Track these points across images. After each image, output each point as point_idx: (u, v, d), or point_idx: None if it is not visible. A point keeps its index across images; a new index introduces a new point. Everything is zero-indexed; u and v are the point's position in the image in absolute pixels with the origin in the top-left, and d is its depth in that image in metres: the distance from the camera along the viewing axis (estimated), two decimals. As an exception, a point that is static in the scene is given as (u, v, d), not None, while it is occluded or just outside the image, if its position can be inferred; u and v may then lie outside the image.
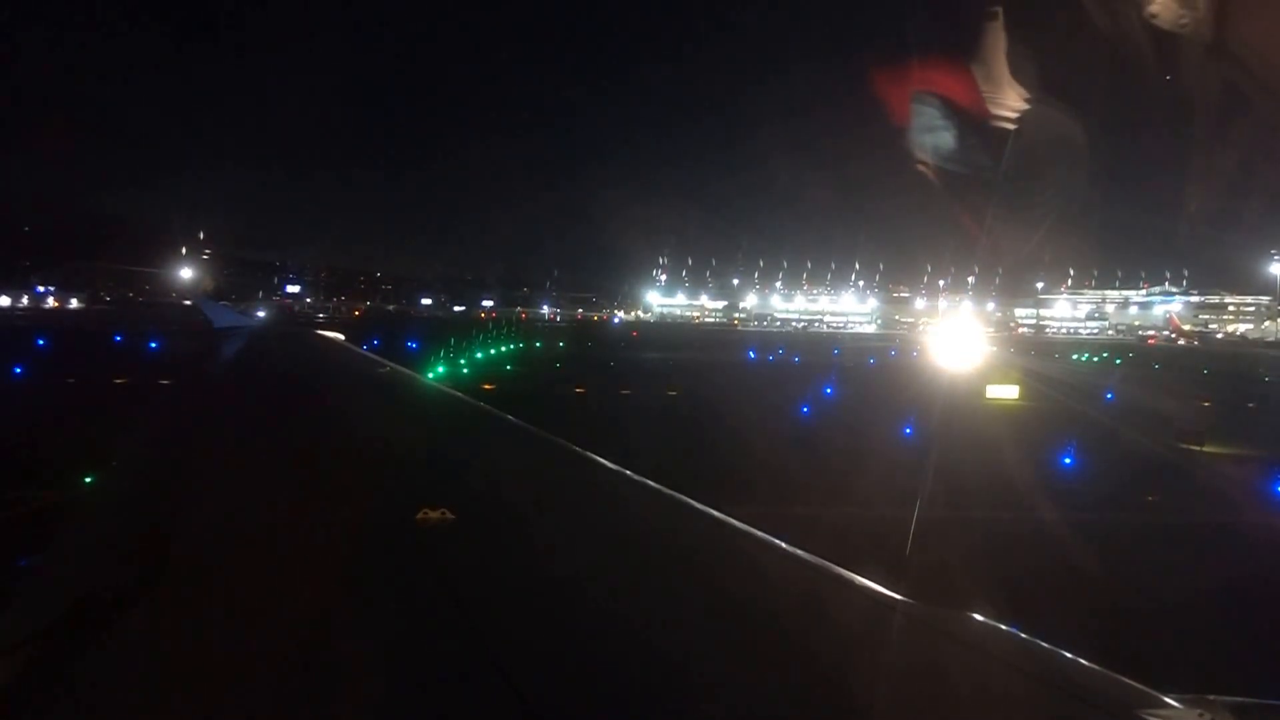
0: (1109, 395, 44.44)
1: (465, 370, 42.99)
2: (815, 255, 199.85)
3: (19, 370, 36.11)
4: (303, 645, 2.56)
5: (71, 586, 3.25)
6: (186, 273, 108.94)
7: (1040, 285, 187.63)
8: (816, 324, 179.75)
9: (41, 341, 51.35)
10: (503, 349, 62.57)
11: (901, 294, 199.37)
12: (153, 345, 47.36)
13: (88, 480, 6.66)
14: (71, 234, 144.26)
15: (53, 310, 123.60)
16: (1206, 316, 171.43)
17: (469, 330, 67.09)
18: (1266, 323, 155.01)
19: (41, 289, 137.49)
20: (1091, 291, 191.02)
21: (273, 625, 2.72)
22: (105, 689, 2.38)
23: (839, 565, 3.38)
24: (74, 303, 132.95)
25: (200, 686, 2.35)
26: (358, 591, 3.03)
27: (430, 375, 24.87)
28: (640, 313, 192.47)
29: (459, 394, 9.89)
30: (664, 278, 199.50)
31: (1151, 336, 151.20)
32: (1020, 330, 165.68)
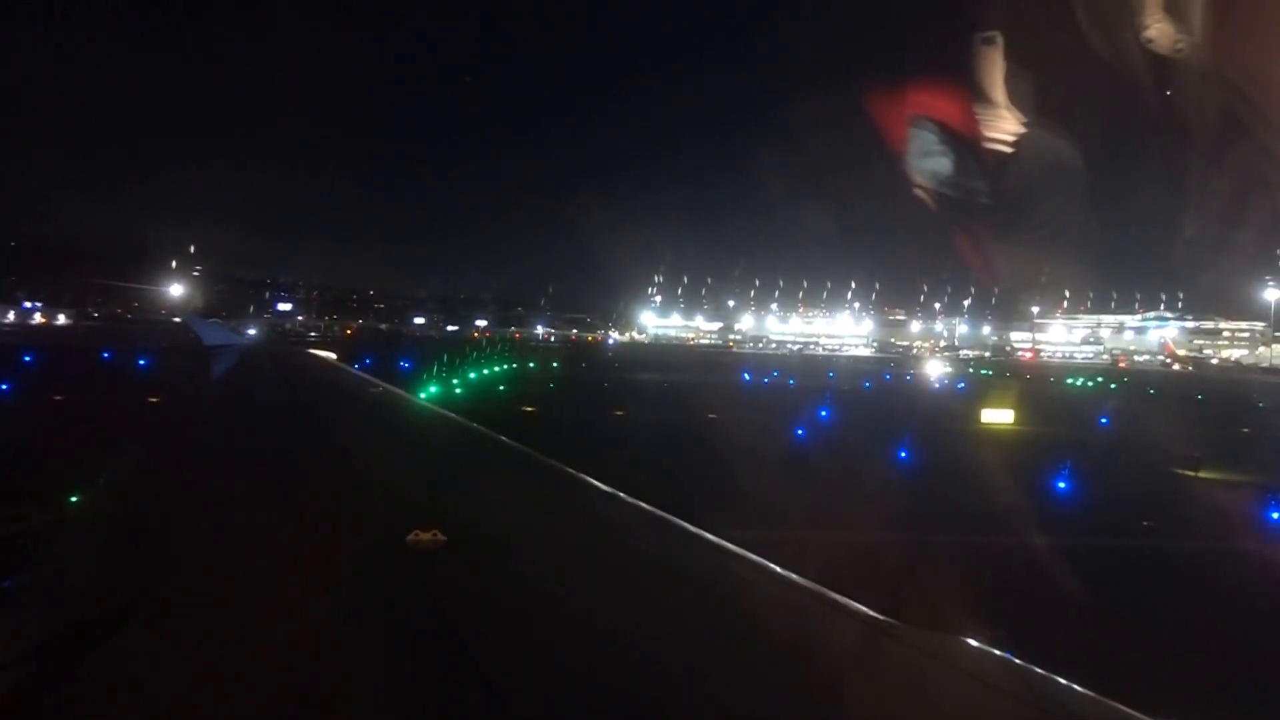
0: (1103, 420, 44.59)
1: (459, 391, 42.87)
2: (811, 277, 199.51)
3: (5, 387, 35.80)
4: (294, 665, 2.55)
5: (62, 608, 3.24)
6: (176, 289, 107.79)
7: (1036, 309, 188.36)
8: (812, 346, 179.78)
9: (28, 358, 50.94)
10: (496, 369, 62.54)
11: (897, 317, 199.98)
12: (142, 363, 47.08)
13: (75, 500, 6.57)
14: (60, 249, 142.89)
15: (40, 326, 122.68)
16: (1201, 342, 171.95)
17: (462, 351, 66.95)
18: (1261, 348, 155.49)
19: (29, 304, 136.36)
20: (1087, 315, 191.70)
21: (265, 645, 2.71)
22: (96, 709, 2.35)
23: (832, 589, 3.35)
24: (61, 319, 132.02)
25: (192, 706, 2.33)
26: (349, 612, 3.03)
27: (422, 396, 24.81)
28: (635, 334, 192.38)
29: (451, 415, 9.88)
30: (659, 299, 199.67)
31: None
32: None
